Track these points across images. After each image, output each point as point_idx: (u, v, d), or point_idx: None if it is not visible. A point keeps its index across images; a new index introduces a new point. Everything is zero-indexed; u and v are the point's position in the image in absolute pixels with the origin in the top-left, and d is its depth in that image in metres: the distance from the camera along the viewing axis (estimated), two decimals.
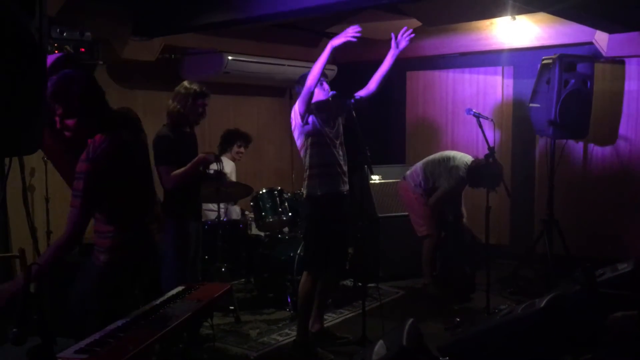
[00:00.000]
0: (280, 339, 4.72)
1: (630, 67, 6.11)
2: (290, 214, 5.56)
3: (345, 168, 4.41)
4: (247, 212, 6.19)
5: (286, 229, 5.86)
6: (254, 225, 5.89)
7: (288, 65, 6.65)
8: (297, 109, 4.24)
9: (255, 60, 6.44)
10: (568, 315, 2.84)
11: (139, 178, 3.07)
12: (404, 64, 6.96)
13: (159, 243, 3.23)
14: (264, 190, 5.56)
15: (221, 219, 5.27)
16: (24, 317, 2.83)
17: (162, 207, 4.32)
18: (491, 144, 4.97)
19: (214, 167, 4.62)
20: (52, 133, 2.91)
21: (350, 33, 3.91)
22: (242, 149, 6.12)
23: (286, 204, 5.58)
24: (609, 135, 6.24)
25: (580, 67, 5.67)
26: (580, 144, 6.37)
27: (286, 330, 4.87)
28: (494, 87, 6.98)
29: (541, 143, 6.56)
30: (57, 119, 2.86)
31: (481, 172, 5.27)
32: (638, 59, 6.06)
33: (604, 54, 5.93)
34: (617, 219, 6.19)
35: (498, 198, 5.82)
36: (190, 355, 4.05)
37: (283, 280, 5.31)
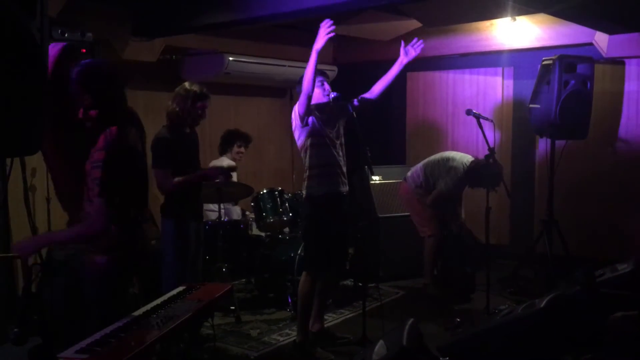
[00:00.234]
0: (281, 339, 4.73)
1: (630, 67, 6.11)
2: (290, 214, 5.56)
3: (345, 169, 4.42)
4: (247, 213, 6.20)
5: (287, 229, 5.87)
6: (254, 226, 5.90)
7: (288, 66, 6.66)
8: (297, 111, 4.25)
9: (255, 60, 6.45)
10: (568, 315, 2.85)
11: (139, 177, 3.08)
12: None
13: (155, 243, 3.24)
14: (265, 191, 5.57)
15: (222, 219, 5.27)
16: (24, 317, 2.84)
17: (162, 207, 4.34)
18: (491, 145, 4.98)
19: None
20: (59, 125, 2.91)
21: (324, 32, 3.89)
22: (242, 149, 6.13)
23: (287, 204, 5.58)
24: (609, 136, 6.25)
25: (580, 68, 5.68)
26: (580, 145, 6.37)
27: (286, 331, 4.88)
28: (494, 88, 6.99)
29: (541, 144, 6.56)
30: (81, 109, 2.87)
31: (480, 172, 5.28)
32: (638, 59, 6.07)
33: (603, 54, 5.94)
34: (616, 220, 6.19)
35: (498, 198, 5.83)
36: (190, 355, 4.05)
37: (283, 281, 5.32)
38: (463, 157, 5.58)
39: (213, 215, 5.69)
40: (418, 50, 4.48)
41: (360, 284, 5.72)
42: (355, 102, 4.37)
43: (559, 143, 5.98)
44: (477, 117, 5.20)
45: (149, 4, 5.34)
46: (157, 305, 3.08)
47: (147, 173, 3.17)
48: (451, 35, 6.81)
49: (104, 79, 2.91)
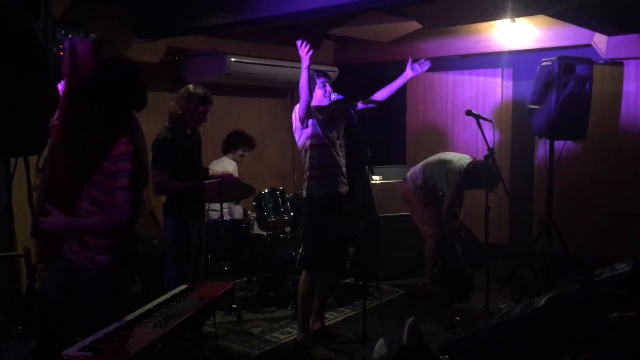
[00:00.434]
0: (282, 337, 4.76)
1: (629, 69, 6.13)
2: (292, 213, 5.59)
3: (344, 169, 4.45)
4: (249, 212, 6.23)
5: (288, 229, 5.90)
6: (256, 225, 5.92)
7: (290, 67, 6.68)
8: (297, 112, 4.28)
9: (257, 61, 6.47)
10: (567, 314, 2.87)
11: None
12: (404, 66, 6.98)
13: (157, 242, 3.25)
14: (266, 190, 5.60)
15: (224, 218, 5.30)
16: (28, 315, 2.87)
17: (164, 207, 4.36)
18: (491, 145, 5.01)
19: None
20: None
21: (304, 52, 4.00)
22: (245, 153, 6.18)
23: (288, 203, 5.61)
24: (608, 136, 6.27)
25: (579, 69, 5.69)
26: (579, 145, 6.40)
27: (287, 329, 4.91)
28: (494, 89, 7.01)
29: (540, 144, 6.58)
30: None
31: (478, 173, 5.30)
32: (636, 60, 6.09)
33: (602, 56, 5.97)
34: (615, 220, 6.21)
35: (497, 198, 5.86)
36: (192, 354, 4.08)
37: (285, 280, 5.35)
38: (461, 159, 5.58)
39: (215, 215, 5.72)
40: (424, 69, 4.63)
41: (360, 283, 5.75)
42: (360, 104, 4.39)
43: (558, 144, 6.01)
44: (477, 117, 5.22)
45: (152, 5, 5.36)
46: (159, 303, 3.11)
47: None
48: (451, 37, 6.84)
49: (126, 73, 2.96)
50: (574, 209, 6.40)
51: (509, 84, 6.93)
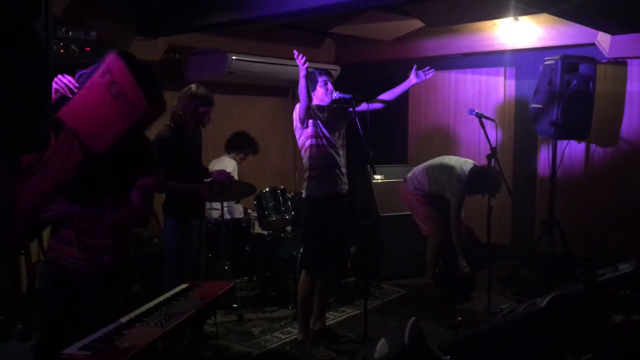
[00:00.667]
0: (283, 336, 4.75)
1: (632, 68, 6.11)
2: (293, 213, 5.58)
3: (344, 170, 4.44)
4: (250, 211, 6.22)
5: (289, 228, 5.89)
6: (257, 224, 5.92)
7: (291, 66, 6.64)
8: (297, 112, 4.27)
9: (258, 60, 6.46)
10: (569, 314, 2.86)
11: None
12: (406, 64, 6.97)
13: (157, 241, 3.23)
14: (267, 190, 5.59)
15: (224, 217, 5.29)
16: (29, 314, 2.86)
17: (164, 205, 4.35)
18: (493, 145, 4.99)
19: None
20: None
21: (300, 62, 3.99)
22: (247, 157, 6.19)
23: (289, 203, 5.60)
24: (611, 136, 6.25)
25: (583, 68, 5.68)
26: (582, 145, 6.38)
27: (288, 329, 4.90)
28: (496, 88, 6.99)
29: (543, 144, 6.57)
30: None
31: (480, 180, 5.29)
32: None
33: (606, 55, 5.94)
34: (618, 220, 6.19)
35: (499, 198, 5.83)
36: (193, 353, 4.08)
37: (285, 279, 5.34)
38: (463, 165, 5.54)
39: (216, 214, 5.71)
40: (428, 76, 4.70)
41: (362, 283, 5.73)
42: (365, 105, 4.38)
43: (561, 143, 5.99)
44: (480, 116, 5.21)
45: (153, 4, 5.36)
46: (160, 303, 3.10)
47: None
48: (453, 35, 6.82)
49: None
50: (576, 209, 6.38)
51: (511, 82, 6.91)
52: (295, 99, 4.23)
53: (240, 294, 5.54)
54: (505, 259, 6.54)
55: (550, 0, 4.57)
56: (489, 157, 4.99)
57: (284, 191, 5.63)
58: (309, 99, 4.16)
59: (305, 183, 4.37)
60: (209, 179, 4.54)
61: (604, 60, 6.08)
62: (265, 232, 5.86)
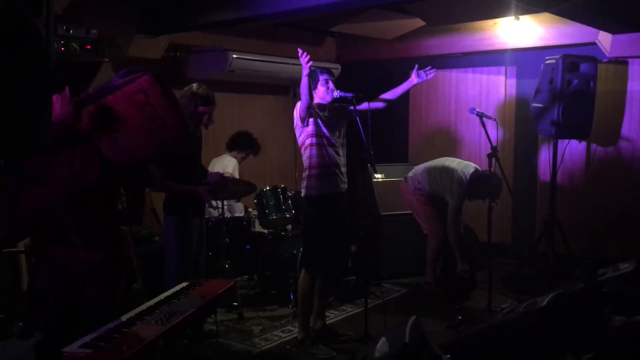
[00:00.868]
0: (283, 335, 4.75)
1: (633, 67, 6.11)
2: (293, 211, 5.58)
3: (344, 169, 4.44)
4: (250, 210, 6.22)
5: (289, 227, 5.89)
6: (257, 223, 5.92)
7: (292, 64, 6.66)
8: (298, 110, 4.27)
9: (259, 58, 6.46)
10: (570, 314, 2.85)
11: None
12: (407, 63, 6.97)
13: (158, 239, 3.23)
14: (268, 188, 5.59)
15: (225, 216, 5.29)
16: (29, 312, 2.87)
17: (164, 204, 4.35)
18: (494, 144, 4.99)
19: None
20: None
21: (304, 61, 3.97)
22: (248, 157, 6.19)
23: (289, 201, 5.60)
24: (612, 135, 6.25)
25: (584, 68, 5.67)
26: (583, 144, 6.37)
27: (289, 327, 4.90)
28: (497, 87, 6.99)
29: (544, 143, 6.57)
30: None
31: (480, 185, 5.29)
32: None
33: (607, 54, 5.94)
34: (619, 219, 6.19)
35: (500, 197, 5.83)
36: (193, 351, 4.08)
37: (286, 278, 5.34)
38: (465, 168, 5.52)
39: (216, 212, 5.71)
40: (430, 76, 4.70)
41: (362, 282, 5.73)
42: (366, 104, 4.38)
43: (562, 142, 5.99)
44: (480, 116, 5.21)
45: (154, 1, 5.35)
46: (161, 301, 3.11)
47: None
48: (454, 34, 6.82)
49: None
50: (577, 209, 6.38)
51: (512, 82, 6.91)
52: (296, 98, 4.23)
53: (240, 292, 5.53)
54: (505, 258, 6.54)
55: None
56: (489, 156, 4.99)
57: (284, 190, 5.63)
58: (310, 97, 4.16)
59: (305, 182, 4.36)
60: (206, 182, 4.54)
61: (605, 60, 6.07)
62: (266, 231, 5.86)
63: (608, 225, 6.24)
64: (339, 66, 7.36)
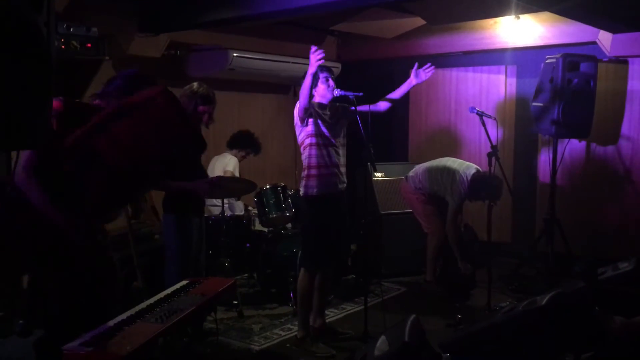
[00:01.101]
0: (283, 333, 4.76)
1: (634, 67, 6.11)
2: (293, 210, 5.58)
3: (344, 169, 4.43)
4: (250, 208, 6.23)
5: (289, 225, 5.89)
6: (257, 221, 5.92)
7: (293, 63, 6.67)
8: (297, 110, 4.26)
9: (260, 57, 6.45)
10: (569, 313, 2.86)
11: None
12: (407, 62, 6.96)
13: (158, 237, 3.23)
14: (268, 187, 5.59)
15: (225, 214, 5.29)
16: (30, 309, 2.87)
17: (163, 202, 4.35)
18: (494, 143, 4.99)
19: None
20: None
21: (315, 58, 3.98)
22: (248, 156, 6.19)
23: (289, 200, 5.60)
24: (612, 134, 6.25)
25: (584, 67, 5.68)
26: (583, 143, 6.37)
27: (288, 325, 4.90)
28: (497, 86, 6.99)
29: (544, 142, 6.57)
30: None
31: (481, 186, 5.29)
32: None
33: (607, 53, 5.94)
34: (618, 218, 6.20)
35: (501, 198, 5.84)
36: (193, 349, 4.08)
37: (286, 276, 5.34)
38: (466, 169, 5.52)
39: (216, 211, 5.72)
40: (429, 75, 4.69)
41: (362, 280, 5.74)
42: (366, 107, 4.39)
43: (562, 141, 5.99)
44: (480, 115, 5.21)
45: (155, 0, 5.35)
46: (161, 299, 3.11)
47: None
48: (455, 33, 6.82)
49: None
50: (577, 208, 6.38)
51: (512, 81, 6.91)
52: (297, 96, 4.22)
53: (240, 290, 5.54)
54: (505, 257, 6.54)
55: None
56: (489, 155, 4.99)
57: (284, 188, 5.63)
58: (310, 98, 4.14)
59: (303, 181, 4.36)
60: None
61: (605, 59, 6.07)
62: (266, 229, 5.86)
63: (608, 224, 6.25)
64: (339, 65, 7.36)
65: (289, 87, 7.71)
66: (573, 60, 5.61)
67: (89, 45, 4.86)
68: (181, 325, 2.87)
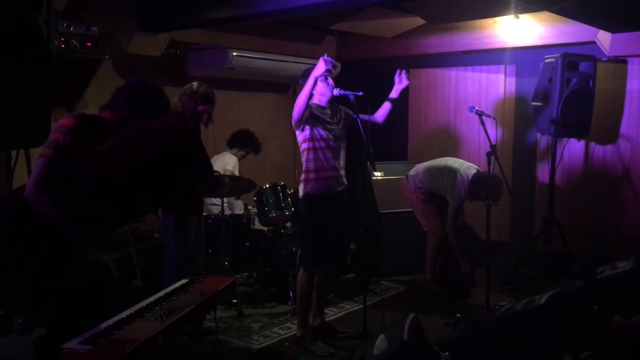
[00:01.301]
0: (282, 332, 4.76)
1: (633, 66, 6.11)
2: (292, 209, 5.59)
3: (343, 171, 4.43)
4: (250, 207, 6.23)
5: (289, 224, 5.90)
6: (257, 220, 5.92)
7: (292, 62, 6.67)
8: (293, 116, 4.24)
9: (259, 56, 6.45)
10: (568, 312, 2.87)
11: None
12: (407, 61, 6.98)
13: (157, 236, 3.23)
14: (267, 186, 5.59)
15: (224, 213, 5.30)
16: (29, 307, 2.87)
17: None
18: (493, 142, 5.00)
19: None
20: None
21: (324, 65, 3.97)
22: (248, 155, 6.20)
23: (289, 199, 5.60)
24: (611, 134, 6.25)
25: (583, 66, 5.68)
26: (582, 143, 6.38)
27: (288, 324, 4.91)
28: (497, 86, 6.99)
29: (543, 141, 6.57)
30: None
31: (482, 187, 5.29)
32: None
33: (606, 53, 5.94)
34: (617, 218, 6.20)
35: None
36: (192, 348, 4.09)
37: (285, 275, 5.35)
38: (467, 169, 5.52)
39: (216, 209, 5.73)
40: (407, 81, 4.68)
41: (361, 279, 5.75)
42: (367, 116, 4.41)
43: (561, 141, 6.00)
44: (480, 114, 5.21)
45: None
46: (160, 298, 3.12)
47: None
48: (454, 33, 6.82)
49: None
50: (575, 207, 6.39)
51: (512, 80, 6.91)
52: (296, 96, 4.21)
53: (240, 289, 5.55)
54: (504, 256, 6.54)
55: None
56: (488, 154, 4.99)
57: (284, 187, 5.64)
58: (306, 106, 4.11)
59: (302, 184, 4.35)
60: None
61: (604, 59, 6.08)
62: (265, 228, 5.87)
63: (606, 223, 6.25)
64: (339, 64, 7.36)
65: (288, 86, 7.71)
66: (572, 59, 5.62)
67: (89, 44, 4.86)
68: (181, 323, 2.88)
